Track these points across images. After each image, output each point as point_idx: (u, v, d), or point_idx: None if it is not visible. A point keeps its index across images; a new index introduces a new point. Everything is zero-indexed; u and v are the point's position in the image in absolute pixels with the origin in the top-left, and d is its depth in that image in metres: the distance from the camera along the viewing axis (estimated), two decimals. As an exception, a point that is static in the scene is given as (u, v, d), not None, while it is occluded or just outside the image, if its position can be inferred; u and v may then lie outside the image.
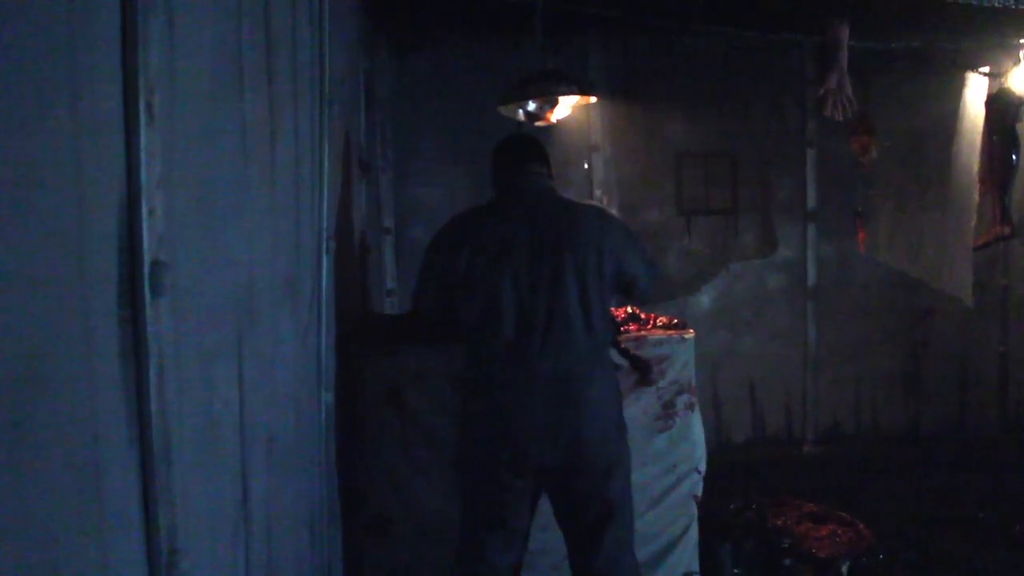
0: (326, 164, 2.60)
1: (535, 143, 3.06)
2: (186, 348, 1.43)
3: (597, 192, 5.65)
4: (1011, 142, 4.64)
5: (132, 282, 1.23)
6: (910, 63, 5.41)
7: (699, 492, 3.60)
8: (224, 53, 1.65)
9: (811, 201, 5.88)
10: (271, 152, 1.96)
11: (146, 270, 1.24)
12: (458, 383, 3.16)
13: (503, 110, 3.78)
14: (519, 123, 3.94)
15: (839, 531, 3.88)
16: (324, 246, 2.63)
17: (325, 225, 2.64)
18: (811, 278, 5.94)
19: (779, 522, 3.99)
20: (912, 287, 5.95)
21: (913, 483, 5.12)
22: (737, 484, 4.79)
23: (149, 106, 1.25)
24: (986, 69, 5.19)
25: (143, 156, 1.23)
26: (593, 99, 3.83)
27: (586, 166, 5.67)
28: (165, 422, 1.32)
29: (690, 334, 3.61)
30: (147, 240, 1.24)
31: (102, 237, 1.16)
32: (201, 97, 1.52)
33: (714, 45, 5.67)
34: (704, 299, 5.94)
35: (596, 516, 2.85)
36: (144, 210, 1.23)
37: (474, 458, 2.89)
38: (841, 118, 3.28)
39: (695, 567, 3.56)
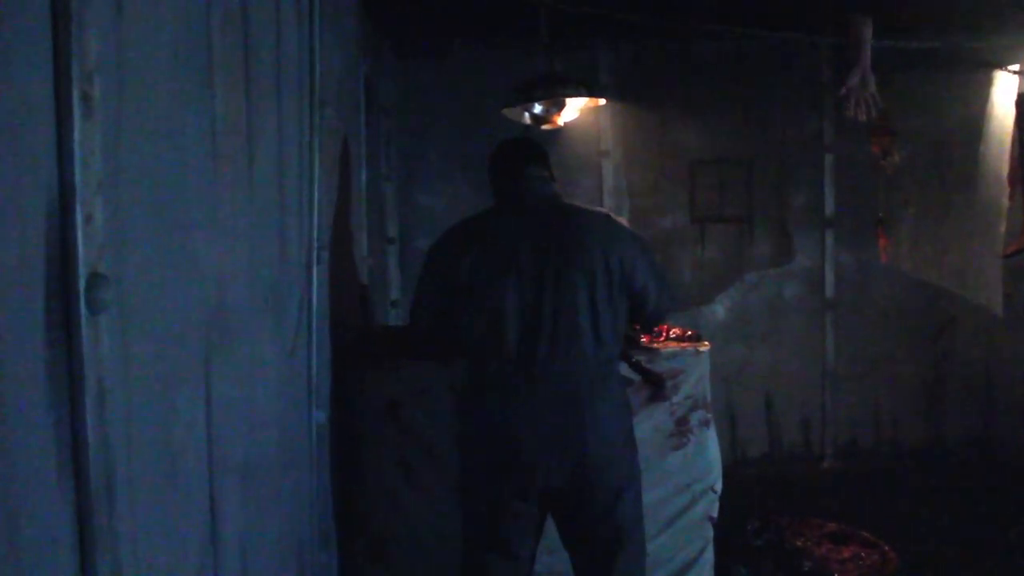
0: (317, 169, 2.45)
1: (534, 145, 2.90)
2: (137, 371, 1.27)
3: (608, 199, 5.50)
4: (1043, 143, 4.42)
5: (65, 298, 1.07)
6: (934, 62, 5.22)
7: (715, 513, 3.44)
8: (189, 42, 1.50)
9: (829, 208, 5.70)
10: (248, 154, 1.80)
11: (81, 284, 1.08)
12: (459, 400, 3.01)
13: (508, 113, 3.63)
14: (526, 127, 3.78)
15: (863, 553, 3.69)
16: (315, 256, 2.47)
17: (317, 234, 2.48)
18: (829, 288, 5.75)
19: (799, 543, 3.81)
20: (934, 297, 5.75)
21: (937, 501, 4.92)
22: (753, 501, 4.62)
23: (86, 96, 1.09)
24: (1016, 67, 4.97)
25: (77, 153, 1.07)
26: (602, 101, 3.67)
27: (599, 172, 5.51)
28: (108, 455, 1.16)
29: (705, 347, 3.44)
30: (82, 250, 1.08)
31: (23, 245, 1.00)
32: (159, 89, 1.37)
33: (727, 49, 5.53)
34: (718, 309, 5.76)
35: (605, 541, 2.69)
36: (79, 215, 1.08)
37: (475, 480, 2.74)
38: (864, 118, 3.11)
39: (711, 593, 3.38)
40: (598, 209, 2.85)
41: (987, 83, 5.46)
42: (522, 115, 3.69)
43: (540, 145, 2.92)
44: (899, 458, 5.77)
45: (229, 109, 1.68)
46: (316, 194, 2.46)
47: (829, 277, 5.74)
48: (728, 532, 3.62)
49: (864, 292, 5.77)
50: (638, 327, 3.58)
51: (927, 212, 5.68)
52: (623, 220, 2.85)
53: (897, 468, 5.63)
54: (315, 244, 2.47)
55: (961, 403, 5.81)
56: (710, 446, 3.44)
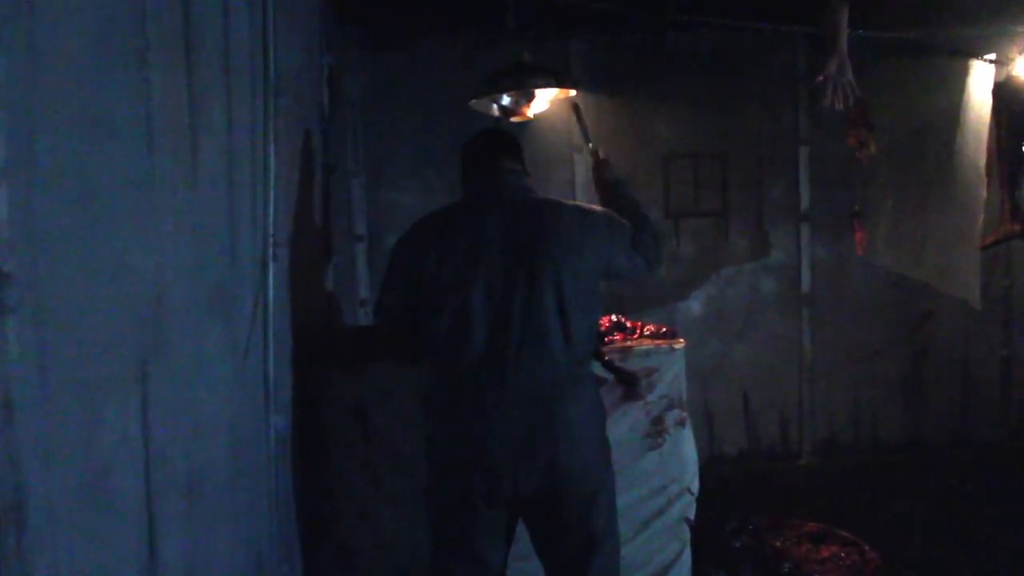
0: (272, 162, 2.32)
1: (507, 137, 2.79)
2: (56, 381, 1.15)
3: (580, 194, 5.38)
4: (1020, 133, 4.35)
5: (-39, 300, 0.95)
6: (909, 51, 5.15)
7: (691, 514, 3.36)
8: (118, 21, 1.37)
9: (805, 202, 5.63)
10: (191, 143, 1.68)
11: (-20, 284, 0.96)
12: (424, 401, 2.90)
13: (476, 105, 3.51)
14: (495, 119, 3.67)
15: (842, 553, 3.61)
16: (270, 253, 2.35)
17: (272, 231, 2.36)
18: (805, 283, 5.68)
19: (777, 544, 3.73)
20: (912, 290, 5.69)
21: (917, 496, 4.86)
22: (731, 500, 4.53)
23: (-18, 74, 0.97)
24: (992, 56, 4.89)
25: (-29, 138, 0.95)
26: (572, 92, 3.56)
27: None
28: (18, 476, 1.04)
29: (680, 344, 3.35)
30: (-20, 246, 0.96)
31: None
32: (80, 71, 1.25)
33: (703, 41, 5.44)
34: (694, 305, 5.68)
35: (578, 549, 2.60)
36: (-25, 207, 0.95)
37: (442, 486, 2.63)
38: (842, 106, 3.03)
39: (688, 597, 3.30)
40: (571, 202, 2.74)
41: (963, 73, 5.39)
42: (490, 107, 3.57)
43: (514, 137, 2.81)
44: (878, 454, 5.72)
45: (167, 95, 1.55)
46: (272, 188, 2.33)
47: (805, 272, 5.68)
48: (705, 533, 3.52)
49: (841, 286, 5.71)
50: (609, 323, 3.50)
51: (904, 204, 5.62)
52: (598, 208, 2.74)
53: (877, 464, 5.57)
54: (271, 241, 2.35)
55: (939, 397, 5.77)
56: (686, 446, 3.36)
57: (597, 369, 2.95)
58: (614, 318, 3.56)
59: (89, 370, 1.25)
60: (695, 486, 3.37)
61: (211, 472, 1.83)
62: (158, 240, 1.51)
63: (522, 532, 2.68)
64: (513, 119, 3.59)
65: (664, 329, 3.46)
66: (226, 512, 1.95)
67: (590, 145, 3.21)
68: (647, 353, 3.28)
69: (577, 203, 2.81)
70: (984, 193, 4.93)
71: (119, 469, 1.34)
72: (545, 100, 3.62)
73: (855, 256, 5.47)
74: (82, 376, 1.23)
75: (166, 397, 1.52)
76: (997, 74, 4.93)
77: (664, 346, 3.32)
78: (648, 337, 3.41)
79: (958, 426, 5.79)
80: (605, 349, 3.21)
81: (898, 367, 5.76)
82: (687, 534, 3.34)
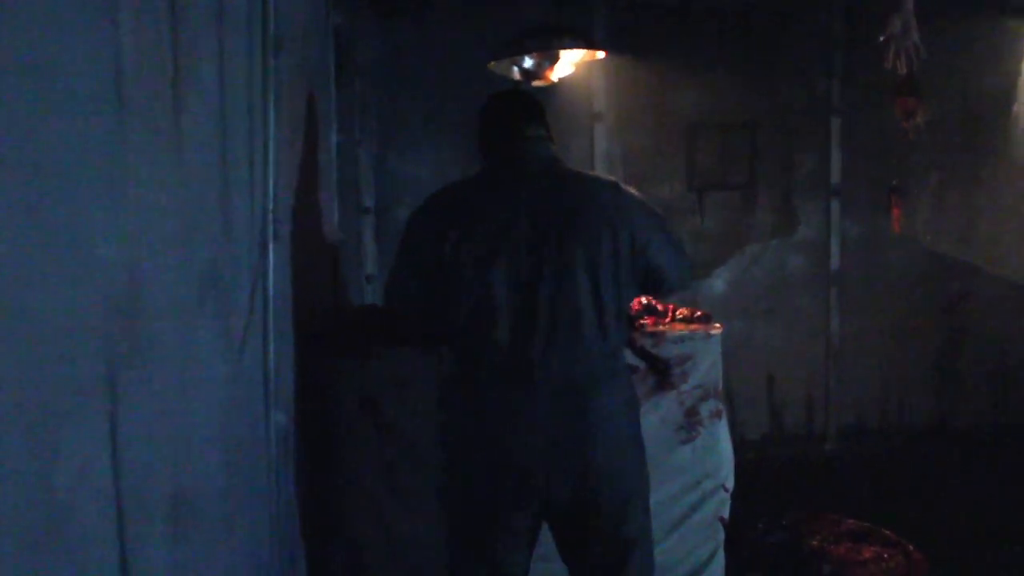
0: (272, 128, 2.04)
1: (533, 100, 2.51)
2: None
3: (599, 165, 5.13)
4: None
5: None
6: (960, 10, 4.80)
7: (726, 513, 3.15)
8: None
9: (835, 175, 5.36)
10: (173, 102, 1.41)
11: None
12: (442, 393, 2.66)
13: (496, 67, 3.23)
14: (515, 83, 3.39)
15: (885, 554, 3.37)
16: (271, 230, 2.08)
17: (272, 204, 2.09)
18: (835, 260, 5.42)
19: (815, 543, 3.48)
20: (947, 270, 5.44)
21: (949, 486, 4.63)
22: (756, 489, 4.29)
23: None
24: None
25: None
26: (600, 54, 3.29)
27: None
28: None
29: (717, 329, 3.11)
30: None
31: None
32: (24, 14, 0.97)
33: (731, 4, 5.16)
34: (718, 284, 5.43)
35: (610, 556, 2.41)
36: None
37: (461, 487, 2.40)
38: (905, 70, 2.73)
39: (723, 600, 3.08)
40: (605, 176, 2.48)
41: (1022, 34, 5.05)
42: (511, 70, 3.30)
43: (537, 99, 2.53)
44: (907, 440, 5.50)
45: (142, 43, 1.27)
46: (272, 158, 2.06)
47: (835, 249, 5.42)
48: (735, 529, 3.28)
49: (872, 264, 5.46)
50: (640, 306, 3.24)
51: (952, 178, 5.35)
52: (633, 190, 2.48)
53: (905, 450, 5.35)
54: (271, 218, 2.08)
55: (974, 381, 5.53)
56: (722, 439, 3.15)
57: (627, 356, 2.70)
58: (644, 300, 3.29)
59: (39, 390, 0.99)
60: (730, 482, 3.15)
61: (202, 487, 1.58)
62: (132, 221, 1.25)
63: (546, 531, 2.45)
64: (535, 83, 3.32)
65: (699, 313, 3.21)
66: (220, 530, 1.70)
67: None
68: (681, 339, 3.03)
69: (611, 178, 2.55)
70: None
71: (81, 505, 1.09)
72: (570, 63, 3.35)
73: (887, 233, 5.22)
74: (30, 399, 0.97)
75: (143, 411, 1.26)
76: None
77: (699, 331, 3.08)
78: (681, 321, 3.16)
79: (993, 412, 5.55)
80: (635, 335, 2.96)
81: (930, 349, 5.53)
82: (722, 534, 3.12)
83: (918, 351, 5.51)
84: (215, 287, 1.65)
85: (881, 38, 2.69)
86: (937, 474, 4.88)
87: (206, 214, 1.60)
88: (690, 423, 3.06)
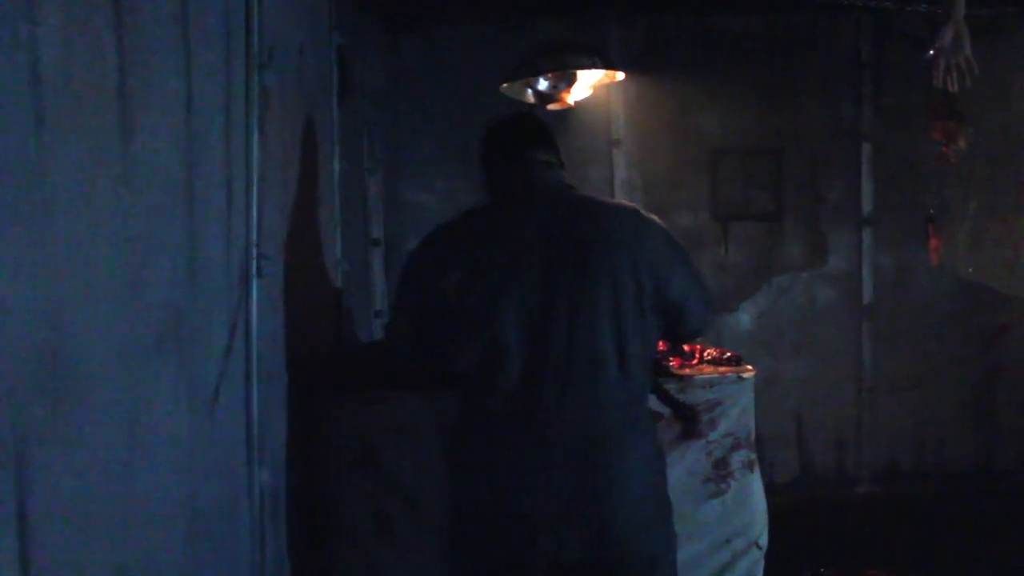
0: (255, 151, 1.83)
1: (539, 123, 2.31)
2: None
3: (619, 193, 4.95)
4: None
5: None
6: (1004, 23, 4.56)
7: (760, 574, 2.85)
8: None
9: (867, 204, 5.13)
10: (121, 118, 1.19)
11: None
12: (448, 444, 2.42)
13: (508, 89, 3.03)
14: (530, 106, 3.17)
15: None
16: (254, 265, 1.86)
17: (256, 237, 1.87)
18: (867, 293, 5.19)
19: (854, 603, 3.20)
20: (985, 303, 5.19)
21: (991, 532, 4.35)
22: (786, 537, 4.03)
23: None
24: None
25: None
26: (620, 75, 3.07)
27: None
28: None
29: (749, 372, 2.87)
30: None
31: None
32: None
33: (754, 23, 4.99)
34: (743, 318, 5.19)
35: (632, 623, 2.11)
36: None
37: (466, 548, 2.17)
38: (956, 88, 2.49)
39: (757, 673, 2.81)
40: (624, 203, 2.25)
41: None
42: (524, 92, 3.09)
43: (544, 123, 2.32)
44: (944, 483, 5.22)
45: (75, 49, 1.06)
46: (255, 184, 1.84)
47: (867, 281, 5.18)
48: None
49: (906, 297, 5.21)
50: (665, 346, 3.00)
51: (994, 208, 5.11)
52: (655, 217, 2.25)
53: (942, 493, 5.07)
54: (255, 252, 1.86)
55: (1014, 419, 5.23)
56: (754, 493, 2.91)
57: (652, 402, 2.46)
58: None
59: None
60: (764, 539, 2.90)
61: (153, 563, 1.34)
62: (58, 257, 1.02)
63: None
64: (551, 106, 3.10)
65: (729, 354, 2.97)
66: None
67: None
68: (710, 383, 2.80)
69: (631, 204, 2.32)
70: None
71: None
72: (587, 85, 3.13)
73: (922, 264, 4.98)
74: None
75: (65, 484, 1.03)
76: None
77: (730, 374, 2.84)
78: (710, 363, 2.93)
79: (1036, 453, 5.25)
80: (660, 378, 2.72)
81: (968, 386, 5.26)
82: (754, 597, 2.84)
83: (955, 388, 5.24)
84: (175, 332, 1.42)
85: (930, 52, 2.45)
86: (976, 519, 4.61)
87: (163, 250, 1.38)
88: (719, 475, 2.83)
